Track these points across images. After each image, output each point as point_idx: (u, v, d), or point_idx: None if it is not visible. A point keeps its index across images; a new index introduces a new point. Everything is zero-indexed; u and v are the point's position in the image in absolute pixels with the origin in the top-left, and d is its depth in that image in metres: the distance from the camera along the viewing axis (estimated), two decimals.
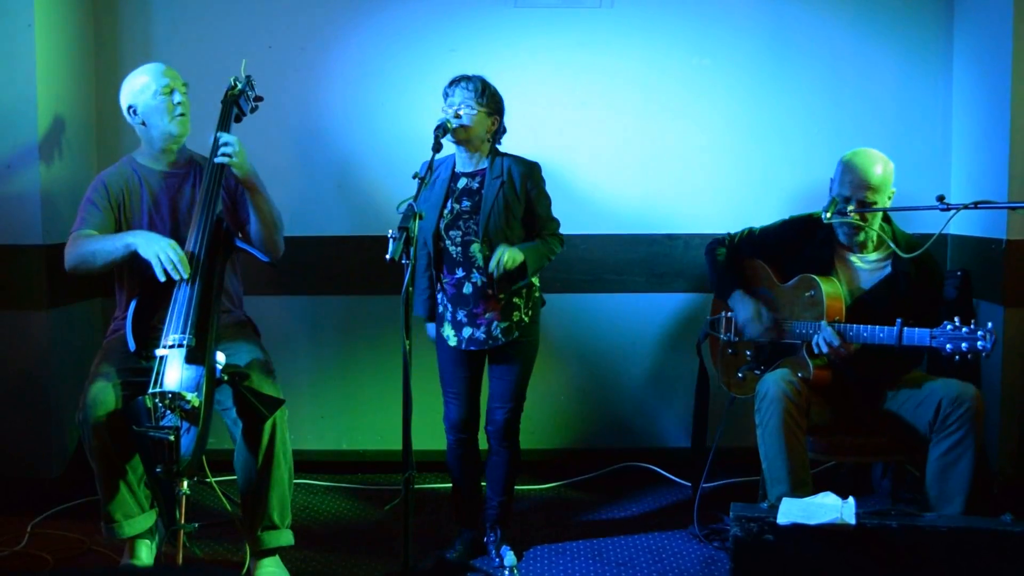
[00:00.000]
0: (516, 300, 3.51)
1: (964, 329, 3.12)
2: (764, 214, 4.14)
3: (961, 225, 4.29)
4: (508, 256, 3.36)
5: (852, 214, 3.43)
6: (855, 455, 3.67)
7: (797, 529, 2.97)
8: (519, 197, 3.49)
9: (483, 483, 3.73)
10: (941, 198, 3.16)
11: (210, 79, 3.70)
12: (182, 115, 3.48)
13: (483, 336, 3.49)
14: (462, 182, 3.52)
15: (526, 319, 3.54)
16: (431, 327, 3.69)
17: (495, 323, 3.49)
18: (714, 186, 4.50)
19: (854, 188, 3.45)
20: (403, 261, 2.98)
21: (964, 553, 2.91)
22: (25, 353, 4.18)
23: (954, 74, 4.45)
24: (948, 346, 3.14)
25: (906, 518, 3.00)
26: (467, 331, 3.50)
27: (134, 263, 3.38)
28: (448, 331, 3.54)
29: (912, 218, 3.82)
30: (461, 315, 3.50)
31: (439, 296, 3.57)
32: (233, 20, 4.44)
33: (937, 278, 3.58)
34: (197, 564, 3.48)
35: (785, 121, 4.48)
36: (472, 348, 3.52)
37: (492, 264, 3.36)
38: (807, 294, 3.50)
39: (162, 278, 3.22)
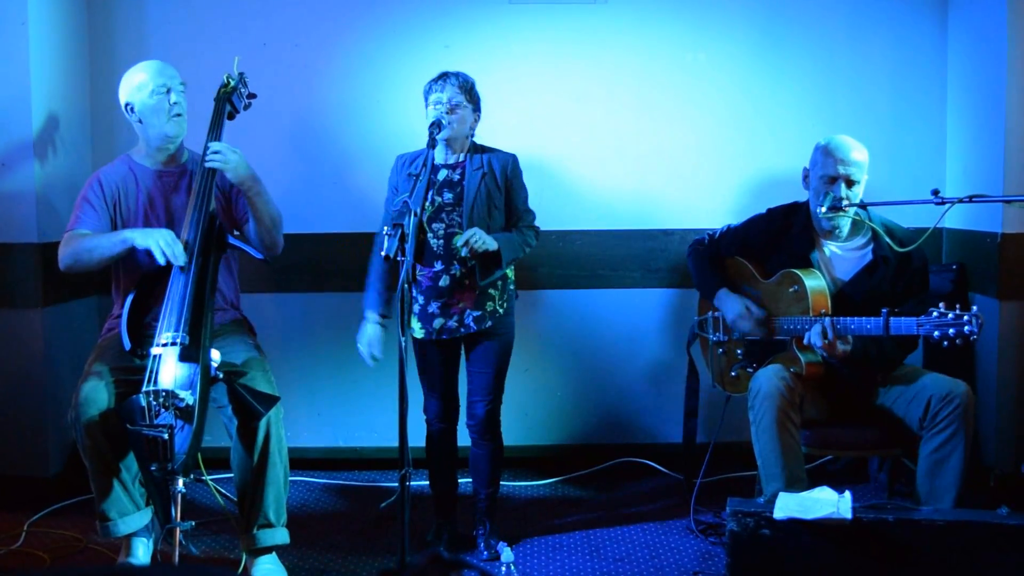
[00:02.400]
0: (491, 291, 3.52)
1: (950, 315, 3.12)
2: (759, 208, 4.13)
3: (956, 219, 4.29)
4: (478, 238, 3.36)
5: (847, 208, 3.42)
6: (850, 449, 3.68)
7: (794, 524, 2.98)
8: (500, 188, 3.53)
9: (463, 480, 3.76)
10: (936, 192, 3.17)
11: (205, 76, 3.69)
12: (178, 115, 3.46)
13: (455, 325, 3.50)
14: (442, 174, 3.53)
15: (500, 310, 3.56)
16: (376, 328, 3.58)
17: (468, 312, 3.50)
18: (709, 181, 4.50)
19: (839, 165, 3.45)
20: (399, 258, 2.99)
21: (960, 546, 2.92)
22: (21, 352, 4.17)
23: (948, 67, 4.45)
24: (936, 333, 3.14)
25: (902, 512, 3.01)
26: (438, 322, 3.50)
27: (130, 260, 3.39)
28: (414, 324, 3.54)
29: (907, 212, 3.82)
30: (434, 307, 3.49)
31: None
32: (227, 17, 4.43)
33: (920, 259, 3.56)
34: (193, 562, 3.48)
35: (780, 115, 4.48)
36: (444, 337, 3.52)
37: (460, 240, 3.35)
38: (791, 289, 3.49)
39: (162, 261, 3.22)
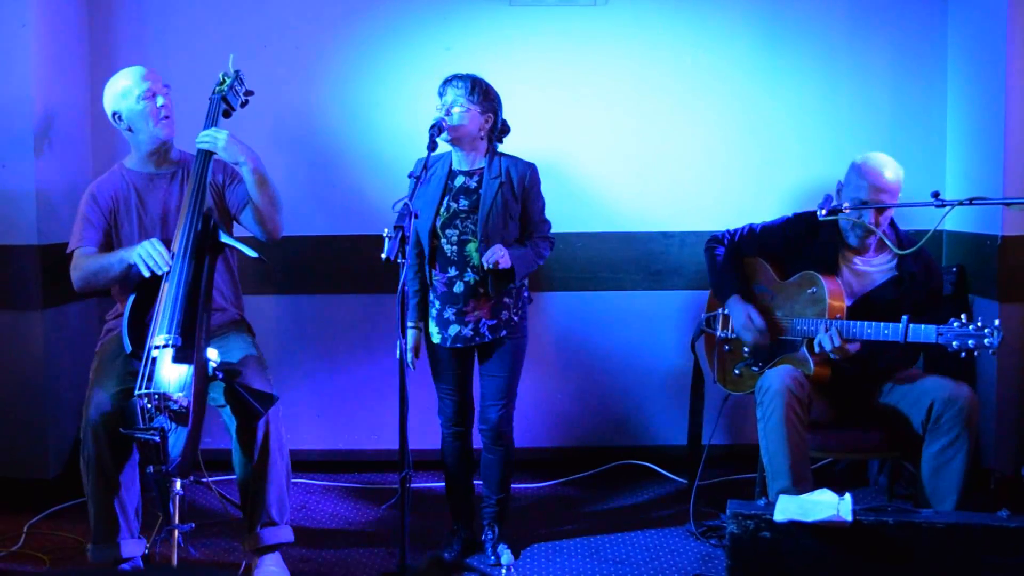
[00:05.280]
0: (506, 299, 3.52)
1: (971, 326, 3.13)
2: (760, 211, 4.14)
3: (956, 221, 4.30)
4: (501, 255, 3.36)
5: (847, 208, 3.41)
6: (851, 452, 3.68)
7: (794, 526, 2.97)
8: (517, 197, 3.50)
9: (477, 482, 3.74)
10: (936, 194, 3.16)
11: (206, 77, 3.68)
12: (166, 118, 3.45)
13: (470, 333, 3.49)
14: (459, 180, 3.52)
15: (515, 318, 3.55)
16: (413, 333, 3.61)
17: (483, 321, 3.49)
18: (710, 184, 4.50)
19: (870, 192, 3.43)
20: (399, 260, 2.98)
21: (960, 549, 2.91)
22: (20, 353, 4.17)
23: (949, 70, 4.45)
24: (955, 343, 3.14)
25: (902, 514, 3.01)
26: (453, 328, 3.50)
27: (130, 270, 3.39)
28: (432, 328, 3.55)
29: (907, 214, 3.83)
30: (449, 313, 3.49)
31: (428, 294, 3.57)
32: (227, 18, 4.43)
33: (938, 279, 3.58)
34: (193, 564, 3.48)
35: (780, 118, 4.48)
36: (458, 345, 3.52)
37: (486, 256, 3.37)
38: (809, 291, 3.49)
39: (146, 274, 3.23)
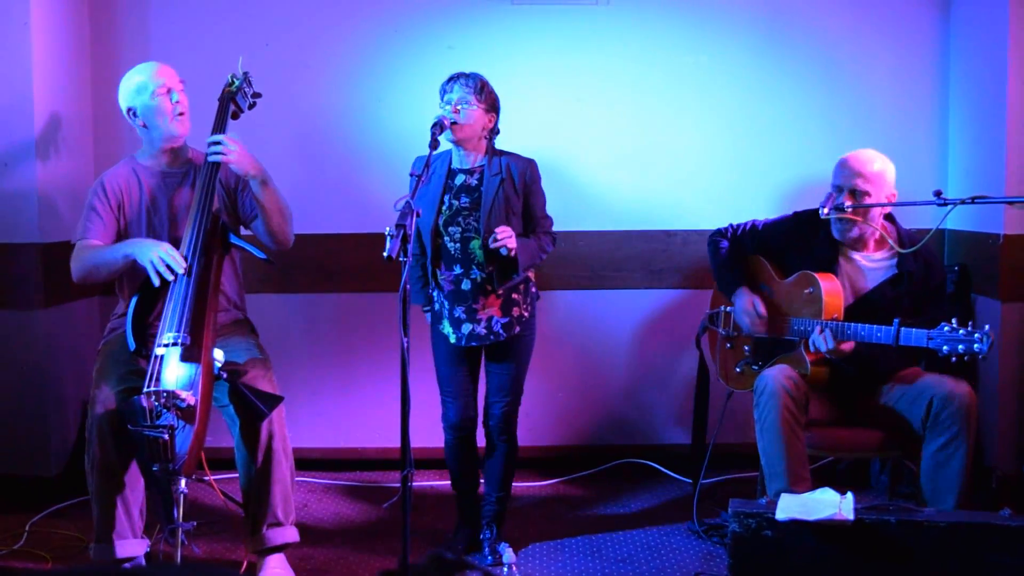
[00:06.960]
0: (514, 296, 3.51)
1: (961, 331, 3.11)
2: (761, 210, 4.14)
3: (958, 220, 4.30)
4: (508, 236, 3.34)
5: (848, 208, 3.42)
6: (853, 451, 3.68)
7: (796, 525, 2.97)
8: (518, 193, 3.50)
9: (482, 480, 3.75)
10: (938, 193, 3.16)
11: (208, 76, 3.68)
12: (181, 115, 3.45)
13: (484, 331, 3.49)
14: (460, 178, 3.52)
15: (525, 314, 3.55)
16: (430, 315, 3.67)
17: (495, 319, 3.49)
18: (711, 182, 4.50)
19: (846, 177, 3.45)
20: (401, 258, 2.98)
21: (962, 548, 2.91)
22: (22, 351, 4.17)
23: (951, 68, 4.45)
24: (945, 347, 3.13)
25: (904, 513, 3.01)
26: (467, 327, 3.50)
27: (134, 267, 3.39)
28: (447, 328, 3.54)
29: (909, 213, 3.82)
30: (459, 311, 3.49)
31: (435, 293, 3.57)
32: (230, 17, 4.43)
33: (940, 276, 3.57)
34: (196, 562, 3.48)
35: (781, 117, 4.48)
36: (473, 344, 3.51)
37: (495, 233, 3.34)
38: (806, 291, 3.50)
39: (156, 282, 3.22)
